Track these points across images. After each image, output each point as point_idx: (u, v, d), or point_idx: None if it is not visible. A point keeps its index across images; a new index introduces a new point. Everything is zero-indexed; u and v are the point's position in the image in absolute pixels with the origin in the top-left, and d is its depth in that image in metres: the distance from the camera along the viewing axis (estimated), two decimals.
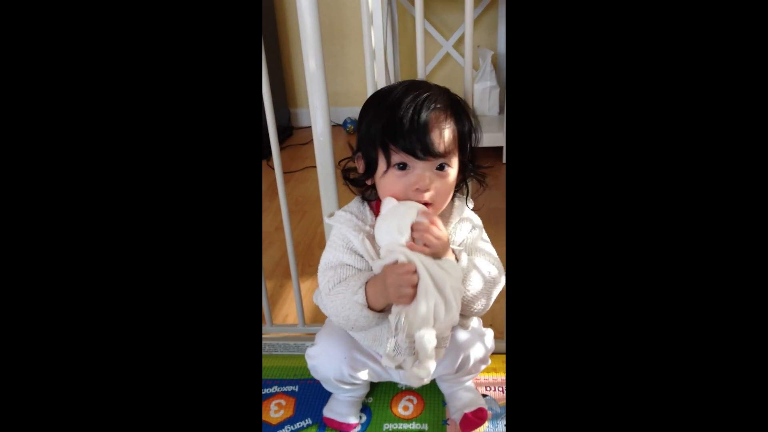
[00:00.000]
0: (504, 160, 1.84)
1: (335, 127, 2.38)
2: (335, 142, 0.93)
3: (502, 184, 0.83)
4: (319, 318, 1.10)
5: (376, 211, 0.78)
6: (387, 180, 0.73)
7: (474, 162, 0.79)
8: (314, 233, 1.55)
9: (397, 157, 0.71)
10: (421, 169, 0.71)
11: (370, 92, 0.91)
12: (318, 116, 0.92)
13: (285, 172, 1.96)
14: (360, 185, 0.79)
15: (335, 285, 0.75)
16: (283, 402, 0.97)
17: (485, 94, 2.04)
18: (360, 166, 0.78)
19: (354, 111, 2.42)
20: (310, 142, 1.84)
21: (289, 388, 1.00)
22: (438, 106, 0.71)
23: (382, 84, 1.85)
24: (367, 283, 0.72)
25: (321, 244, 1.31)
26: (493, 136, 1.84)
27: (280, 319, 1.21)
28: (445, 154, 0.71)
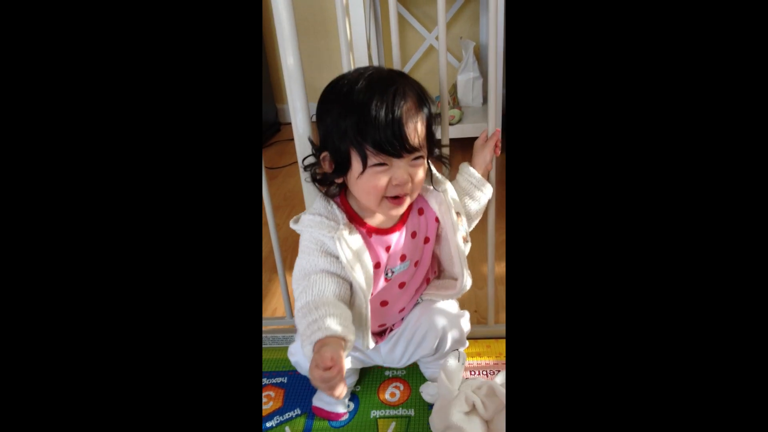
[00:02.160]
0: None
1: None
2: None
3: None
4: None
5: (343, 208, 0.78)
6: (365, 180, 0.72)
7: (434, 143, 0.78)
8: None
9: (374, 159, 0.70)
10: (398, 166, 0.72)
11: None
12: (298, 112, 0.93)
13: (273, 168, 1.99)
14: (328, 184, 0.78)
15: (302, 305, 0.72)
16: (272, 393, 0.99)
17: (468, 85, 2.06)
18: (327, 165, 0.76)
19: None
20: None
21: (278, 379, 1.02)
22: (407, 99, 0.70)
23: None
24: (318, 342, 0.66)
25: None
26: (477, 126, 1.86)
27: (268, 312, 1.23)
28: (421, 147, 0.72)
